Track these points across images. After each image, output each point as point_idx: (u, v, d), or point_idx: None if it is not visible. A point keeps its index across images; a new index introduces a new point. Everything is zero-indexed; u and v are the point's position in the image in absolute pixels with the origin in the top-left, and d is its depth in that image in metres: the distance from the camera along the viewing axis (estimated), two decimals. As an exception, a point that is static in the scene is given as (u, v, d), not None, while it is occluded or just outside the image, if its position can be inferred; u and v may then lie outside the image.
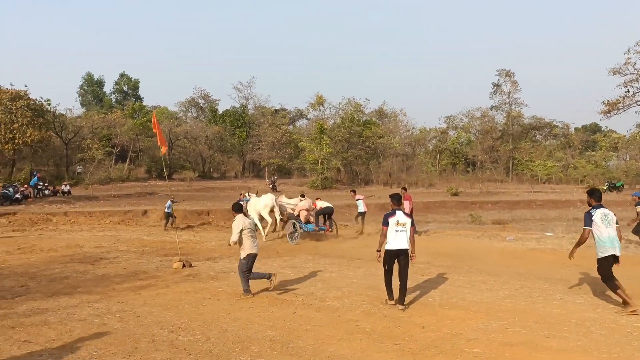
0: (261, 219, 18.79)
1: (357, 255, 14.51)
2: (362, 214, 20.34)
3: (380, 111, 66.99)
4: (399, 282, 8.48)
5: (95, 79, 76.68)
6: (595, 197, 8.75)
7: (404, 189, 19.69)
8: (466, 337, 6.87)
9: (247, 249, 9.47)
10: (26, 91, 39.60)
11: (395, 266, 8.56)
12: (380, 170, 57.70)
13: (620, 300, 8.33)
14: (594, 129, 76.51)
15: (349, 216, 28.90)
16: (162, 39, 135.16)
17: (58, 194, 32.70)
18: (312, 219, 18.32)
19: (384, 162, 58.46)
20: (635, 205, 16.39)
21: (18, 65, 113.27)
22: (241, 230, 9.35)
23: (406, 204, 17.15)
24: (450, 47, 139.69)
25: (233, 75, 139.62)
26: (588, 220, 8.52)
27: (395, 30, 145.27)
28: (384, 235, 8.53)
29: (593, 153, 61.19)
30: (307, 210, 18.41)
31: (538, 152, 59.76)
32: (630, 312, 7.98)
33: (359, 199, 20.79)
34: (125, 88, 77.50)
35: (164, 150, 13.81)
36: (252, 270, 9.56)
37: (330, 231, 18.51)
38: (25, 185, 31.49)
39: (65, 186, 34.82)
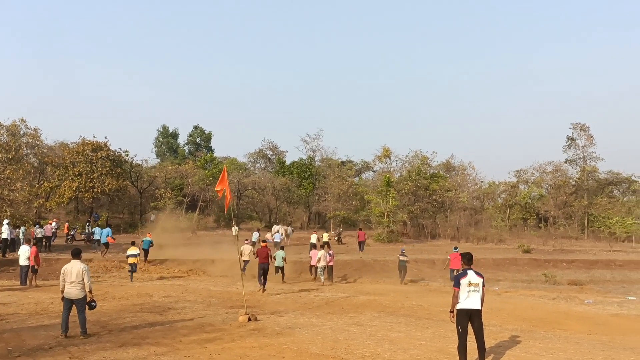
0: None
1: (425, 314, 14.05)
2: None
3: (447, 164, 66.11)
4: (476, 344, 8.21)
5: (170, 131, 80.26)
6: None
7: (360, 229, 31.81)
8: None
9: None
10: (107, 143, 42.09)
11: (470, 329, 8.24)
12: (448, 224, 56.44)
13: None
14: (678, 184, 72.07)
15: (416, 272, 28.27)
16: (234, 93, 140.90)
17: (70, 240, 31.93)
18: None
19: (452, 216, 57.19)
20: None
21: (100, 118, 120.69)
22: None
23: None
24: (520, 99, 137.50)
25: (301, 127, 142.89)
26: None
27: (462, 83, 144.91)
28: (456, 297, 8.34)
29: (678, 210, 57.49)
30: None
31: (616, 209, 56.72)
32: None
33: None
34: (198, 140, 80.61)
35: (227, 203, 14.13)
36: None
37: None
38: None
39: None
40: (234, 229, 39.00)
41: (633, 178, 65.49)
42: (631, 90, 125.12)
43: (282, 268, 22.28)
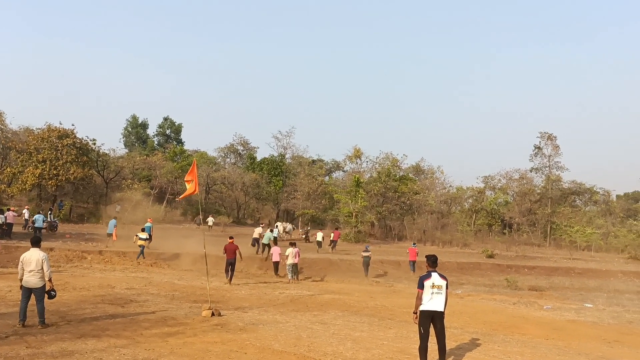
0: None
1: (388, 315, 14.17)
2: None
3: (417, 167, 66.90)
4: (437, 346, 8.33)
5: (140, 122, 79.01)
6: None
7: (337, 228, 37.18)
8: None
9: None
10: (73, 130, 41.19)
11: (432, 331, 8.35)
12: (415, 226, 57.08)
13: None
14: (637, 197, 74.47)
15: (380, 271, 28.49)
16: (207, 86, 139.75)
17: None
18: None
19: (419, 219, 57.86)
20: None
21: (69, 105, 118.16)
22: None
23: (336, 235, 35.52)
24: (491, 107, 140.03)
25: (273, 124, 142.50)
26: None
27: (435, 88, 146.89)
28: (419, 299, 8.40)
29: (635, 222, 59.16)
30: None
31: (577, 218, 58.18)
32: None
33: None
34: (168, 131, 79.53)
35: (184, 195, 14.11)
36: None
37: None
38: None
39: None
40: (210, 219, 41.23)
41: (595, 189, 67.38)
42: (596, 103, 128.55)
43: (267, 245, 26.73)
